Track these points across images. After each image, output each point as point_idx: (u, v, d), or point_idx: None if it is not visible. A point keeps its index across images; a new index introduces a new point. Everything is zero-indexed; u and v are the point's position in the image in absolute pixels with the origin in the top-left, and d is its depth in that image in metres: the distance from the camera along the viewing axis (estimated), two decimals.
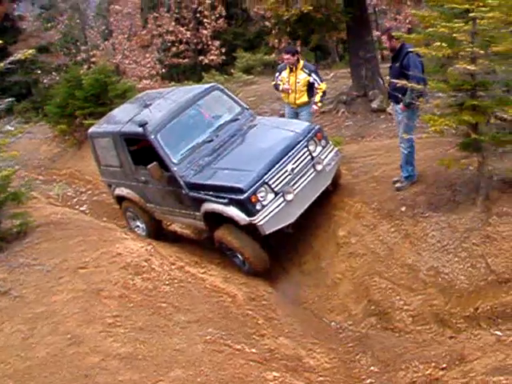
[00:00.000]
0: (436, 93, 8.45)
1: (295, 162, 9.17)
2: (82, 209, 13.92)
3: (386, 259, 8.64)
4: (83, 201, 14.82)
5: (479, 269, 7.79)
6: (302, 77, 11.06)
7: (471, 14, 7.62)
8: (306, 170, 9.28)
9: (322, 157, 9.49)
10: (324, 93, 11.17)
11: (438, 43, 7.88)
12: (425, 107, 8.67)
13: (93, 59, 25.06)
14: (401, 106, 9.15)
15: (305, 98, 11.19)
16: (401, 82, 8.35)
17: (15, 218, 8.95)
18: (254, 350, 6.36)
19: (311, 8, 13.53)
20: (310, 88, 11.13)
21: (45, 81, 26.71)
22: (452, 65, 7.97)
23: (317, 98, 11.06)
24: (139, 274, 7.42)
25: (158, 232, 11.18)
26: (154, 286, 7.29)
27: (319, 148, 9.53)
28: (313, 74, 11.07)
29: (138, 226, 11.27)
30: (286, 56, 11.10)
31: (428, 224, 8.55)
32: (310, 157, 9.36)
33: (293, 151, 9.20)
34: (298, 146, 9.29)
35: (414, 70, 8.73)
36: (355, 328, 8.16)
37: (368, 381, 6.58)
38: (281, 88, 11.32)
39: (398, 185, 9.56)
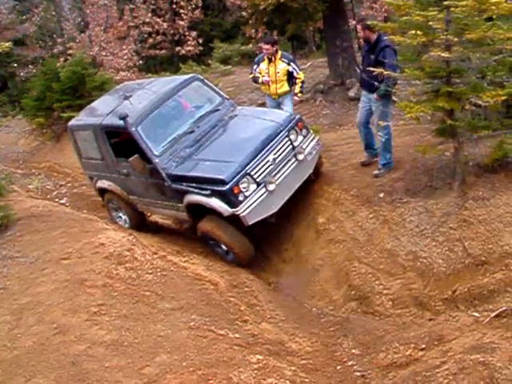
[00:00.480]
0: (411, 80, 8.56)
1: (277, 151, 9.19)
2: (62, 201, 13.87)
3: (366, 245, 8.79)
4: (63, 193, 14.77)
5: (456, 252, 7.98)
6: (282, 66, 11.03)
7: (445, 2, 7.73)
8: (287, 159, 9.31)
9: (304, 146, 9.53)
10: (303, 82, 11.20)
11: (413, 31, 8.03)
12: (400, 94, 8.82)
13: (69, 51, 24.87)
14: (375, 95, 9.31)
15: (286, 87, 11.17)
16: (377, 71, 8.48)
17: None
18: (237, 335, 6.46)
19: None
20: (290, 77, 11.11)
21: (21, 74, 26.55)
22: (427, 52, 8.10)
23: (297, 88, 11.06)
24: (122, 264, 7.48)
25: (141, 223, 11.20)
26: (137, 275, 7.36)
27: (300, 137, 9.56)
28: (292, 64, 11.07)
29: (121, 218, 11.29)
30: (266, 46, 11.05)
31: (406, 209, 8.71)
32: (291, 146, 9.39)
33: (274, 141, 9.23)
34: (279, 135, 9.32)
35: (391, 63, 8.89)
36: (336, 313, 8.29)
37: (349, 363, 6.70)
38: (260, 80, 11.30)
39: (375, 172, 9.71)
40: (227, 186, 8.69)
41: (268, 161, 9.08)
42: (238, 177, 8.77)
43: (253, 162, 8.94)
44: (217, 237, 9.13)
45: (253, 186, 8.90)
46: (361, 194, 9.37)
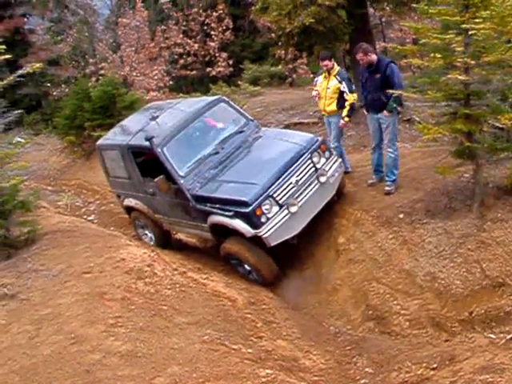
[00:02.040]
0: (431, 102, 8.64)
1: (299, 174, 9.29)
2: (90, 218, 14.13)
3: (384, 265, 8.83)
4: (91, 211, 15.04)
5: (474, 274, 7.97)
6: (333, 83, 10.74)
7: (463, 26, 7.83)
8: (310, 181, 9.39)
9: (326, 168, 9.61)
10: (352, 105, 10.67)
11: (432, 54, 8.13)
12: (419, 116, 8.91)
13: (101, 71, 25.34)
14: (385, 113, 9.46)
15: (333, 106, 10.84)
16: (396, 93, 8.62)
17: (23, 226, 9.16)
18: (250, 350, 6.55)
19: (313, 21, 13.72)
20: (341, 97, 10.71)
21: (54, 93, 27.08)
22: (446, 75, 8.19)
23: (344, 112, 10.61)
24: (142, 279, 7.62)
25: (166, 241, 11.37)
26: (155, 289, 7.49)
27: (323, 160, 9.64)
28: (344, 83, 10.66)
29: (147, 235, 11.45)
30: (324, 63, 10.72)
31: (425, 230, 8.74)
32: (313, 169, 9.47)
33: (297, 163, 9.32)
34: (302, 158, 9.40)
35: (398, 78, 9.08)
36: (353, 332, 8.33)
37: (362, 381, 6.76)
38: (313, 93, 11.23)
39: (387, 188, 9.87)
40: (250, 208, 8.80)
41: (291, 183, 9.17)
42: (260, 199, 8.88)
43: (275, 184, 9.04)
44: (242, 257, 9.22)
45: (275, 208, 9.00)
46: (381, 215, 9.42)
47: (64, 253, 8.61)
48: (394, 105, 9.22)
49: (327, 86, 10.81)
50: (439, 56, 8.09)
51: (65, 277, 7.75)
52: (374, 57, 9.67)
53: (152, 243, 11.18)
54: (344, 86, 10.65)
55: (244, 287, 8.76)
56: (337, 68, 10.86)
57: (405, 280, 8.49)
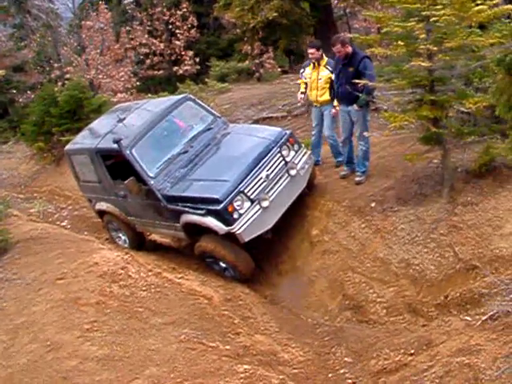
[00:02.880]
0: (396, 90, 8.69)
1: (269, 168, 9.29)
2: (63, 224, 13.97)
3: (359, 254, 8.88)
4: (64, 216, 14.88)
5: (447, 258, 8.06)
6: (325, 74, 10.63)
7: (424, 13, 7.88)
8: (280, 175, 9.40)
9: (296, 161, 9.62)
10: None
11: (395, 42, 8.17)
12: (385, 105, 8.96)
13: (67, 76, 25.11)
14: (355, 106, 9.49)
15: (326, 96, 10.70)
16: (362, 82, 8.64)
17: None
18: (228, 347, 6.56)
19: (276, 14, 13.74)
20: (333, 87, 10.43)
21: (20, 100, 26.78)
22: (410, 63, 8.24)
23: (335, 101, 10.42)
24: (116, 282, 7.59)
25: (140, 243, 11.31)
26: (130, 292, 7.47)
27: (292, 153, 9.65)
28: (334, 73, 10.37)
29: (121, 238, 11.38)
30: (311, 50, 10.67)
31: (397, 218, 8.81)
32: (283, 162, 9.48)
33: (266, 158, 9.32)
34: (271, 152, 9.41)
35: (371, 73, 9.09)
36: (331, 323, 8.36)
37: (341, 371, 6.79)
38: (299, 92, 11.18)
39: (357, 179, 9.95)
40: (221, 205, 8.80)
41: (261, 178, 9.17)
42: (231, 195, 8.87)
43: (246, 180, 9.04)
44: (217, 255, 9.21)
45: (247, 204, 9.00)
46: (353, 205, 9.47)
47: (37, 260, 8.56)
48: (365, 100, 9.21)
49: (318, 76, 10.73)
50: (402, 44, 8.16)
51: (38, 284, 7.71)
52: (348, 49, 9.61)
53: (126, 246, 11.11)
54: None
55: (220, 284, 8.74)
56: (325, 58, 10.76)
57: (380, 268, 8.54)
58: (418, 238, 8.45)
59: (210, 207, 8.90)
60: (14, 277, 8.07)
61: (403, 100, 8.68)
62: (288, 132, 9.94)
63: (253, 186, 9.07)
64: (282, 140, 9.61)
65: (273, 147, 9.47)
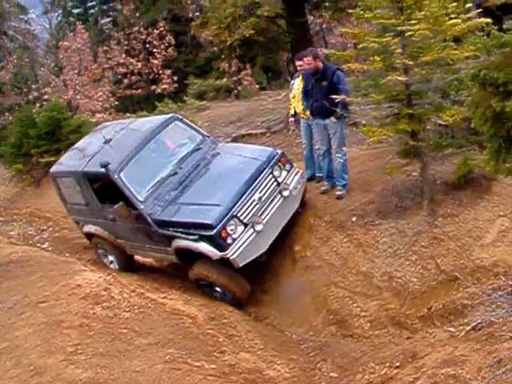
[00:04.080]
0: (373, 105, 8.77)
1: (262, 190, 9.13)
2: (43, 246, 13.86)
3: (341, 269, 8.90)
4: (45, 238, 14.77)
5: (430, 270, 8.13)
6: None
7: (399, 28, 7.98)
8: (273, 197, 9.24)
9: (288, 182, 9.46)
10: None
11: (372, 57, 8.27)
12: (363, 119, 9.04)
13: (45, 97, 25.01)
14: (333, 119, 9.53)
15: None
16: (339, 98, 8.71)
17: None
18: (213, 366, 6.54)
19: (253, 32, 13.80)
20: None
21: None
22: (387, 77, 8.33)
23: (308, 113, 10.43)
24: (99, 303, 7.52)
25: (130, 265, 11.10)
26: (114, 313, 7.40)
27: (284, 173, 9.49)
28: (302, 89, 10.45)
29: (110, 260, 11.15)
30: (299, 62, 10.50)
31: (378, 231, 8.86)
32: (275, 183, 9.33)
33: (258, 180, 9.16)
34: (263, 173, 9.25)
35: (344, 86, 9.16)
36: (316, 338, 8.37)
37: None
38: (290, 119, 11.15)
39: (338, 193, 9.96)
40: (214, 231, 8.64)
41: (254, 200, 9.01)
42: (224, 220, 8.71)
43: (238, 204, 8.88)
44: (213, 280, 9.03)
45: (240, 228, 8.85)
46: (334, 220, 9.50)
47: (18, 283, 8.47)
48: (341, 112, 9.25)
49: None
50: (378, 59, 8.25)
51: (20, 308, 7.62)
52: (320, 64, 9.70)
53: (116, 268, 10.92)
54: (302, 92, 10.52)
55: (203, 303, 8.69)
56: None
57: (362, 282, 8.57)
58: (400, 250, 8.50)
59: (203, 233, 8.73)
60: None
61: (381, 114, 8.75)
62: (279, 152, 9.76)
63: (246, 210, 8.91)
64: (274, 160, 9.45)
65: (264, 168, 9.31)
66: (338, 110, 9.21)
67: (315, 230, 9.62)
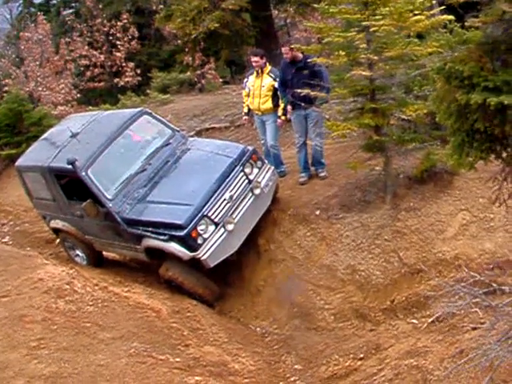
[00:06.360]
0: (338, 99, 8.83)
1: (233, 188, 9.01)
2: (4, 240, 13.68)
3: (305, 262, 8.94)
4: (5, 232, 14.55)
5: (393, 263, 8.23)
6: (268, 81, 10.55)
7: (364, 23, 8.03)
8: (244, 195, 9.13)
9: (259, 179, 9.34)
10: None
11: (336, 52, 8.32)
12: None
13: (5, 88, 24.64)
14: (314, 108, 9.56)
15: (269, 104, 10.62)
16: (321, 85, 8.78)
17: None
18: (178, 359, 6.53)
19: (218, 25, 13.76)
20: (275, 95, 10.54)
21: None
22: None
23: (279, 111, 10.50)
24: (62, 297, 7.44)
25: (99, 260, 10.91)
26: (77, 307, 7.34)
27: (255, 170, 9.37)
28: (278, 80, 10.43)
29: (78, 255, 10.94)
30: (255, 59, 10.56)
31: (342, 225, 8.92)
32: (247, 181, 9.23)
33: (229, 178, 9.03)
34: (234, 171, 9.14)
35: (325, 72, 9.34)
36: (280, 331, 8.40)
37: (292, 378, 6.86)
38: (245, 105, 11.08)
39: (322, 174, 10.13)
40: (185, 231, 8.52)
41: (225, 199, 8.89)
42: (195, 220, 8.59)
43: (209, 203, 8.76)
44: (179, 283, 8.92)
45: (211, 228, 8.73)
46: (298, 213, 9.51)
47: None
48: (324, 98, 9.22)
49: (261, 84, 10.62)
50: (343, 54, 8.30)
51: None
52: (298, 54, 9.73)
53: (85, 263, 10.73)
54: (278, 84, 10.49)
55: (167, 297, 8.65)
56: (268, 66, 10.70)
57: (326, 275, 8.62)
58: (363, 244, 8.58)
59: (173, 233, 8.60)
60: None
61: (345, 109, 8.83)
62: (251, 148, 9.65)
63: (217, 209, 8.79)
64: (245, 157, 9.33)
65: (236, 166, 9.18)
66: (320, 96, 9.11)
67: (279, 223, 9.62)
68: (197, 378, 6.02)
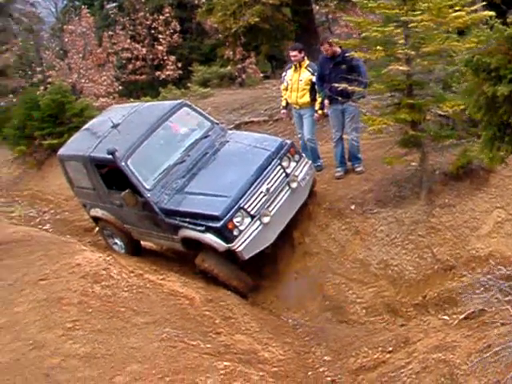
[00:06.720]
0: (375, 94, 8.84)
1: (270, 181, 9.03)
2: (45, 228, 13.97)
3: (339, 256, 8.99)
4: (46, 220, 14.89)
5: (426, 259, 8.22)
6: (305, 75, 10.61)
7: (402, 18, 8.03)
8: (281, 188, 9.15)
9: (296, 173, 9.35)
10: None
11: (374, 47, 8.33)
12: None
13: (49, 80, 25.07)
14: (351, 103, 9.55)
15: (306, 98, 10.69)
16: (358, 80, 8.83)
17: None
18: (208, 346, 6.63)
19: (258, 19, 13.82)
20: (313, 89, 10.58)
21: (2, 103, 26.63)
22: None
23: (316, 105, 10.54)
24: (98, 282, 7.59)
25: (137, 249, 11.03)
26: (112, 292, 7.48)
27: (293, 163, 9.40)
28: (316, 74, 10.48)
29: (117, 244, 11.11)
30: (293, 53, 10.63)
31: (376, 220, 8.93)
32: (284, 174, 9.24)
33: (267, 170, 9.08)
34: (272, 164, 9.17)
35: (363, 67, 9.44)
36: (311, 323, 8.47)
37: (321, 369, 6.92)
38: (283, 99, 11.17)
39: (358, 169, 10.17)
40: (221, 222, 8.58)
41: (261, 192, 8.92)
42: (231, 212, 8.65)
43: (246, 195, 8.81)
44: (214, 274, 9.01)
45: (247, 220, 8.78)
46: (333, 207, 9.56)
47: (19, 262, 8.55)
48: (361, 93, 9.24)
49: (299, 78, 10.68)
50: (381, 49, 8.30)
51: (21, 285, 7.70)
52: (337, 49, 9.80)
53: (122, 251, 10.89)
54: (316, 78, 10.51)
55: (201, 286, 8.78)
56: (306, 61, 10.75)
57: (359, 269, 8.67)
58: (397, 239, 8.58)
59: (210, 224, 8.67)
60: None
61: (382, 104, 8.83)
62: (289, 142, 9.67)
63: (253, 201, 8.84)
64: (283, 151, 9.36)
65: (273, 159, 9.21)
66: (358, 91, 9.12)
67: (314, 217, 9.67)
68: (226, 363, 6.11)
